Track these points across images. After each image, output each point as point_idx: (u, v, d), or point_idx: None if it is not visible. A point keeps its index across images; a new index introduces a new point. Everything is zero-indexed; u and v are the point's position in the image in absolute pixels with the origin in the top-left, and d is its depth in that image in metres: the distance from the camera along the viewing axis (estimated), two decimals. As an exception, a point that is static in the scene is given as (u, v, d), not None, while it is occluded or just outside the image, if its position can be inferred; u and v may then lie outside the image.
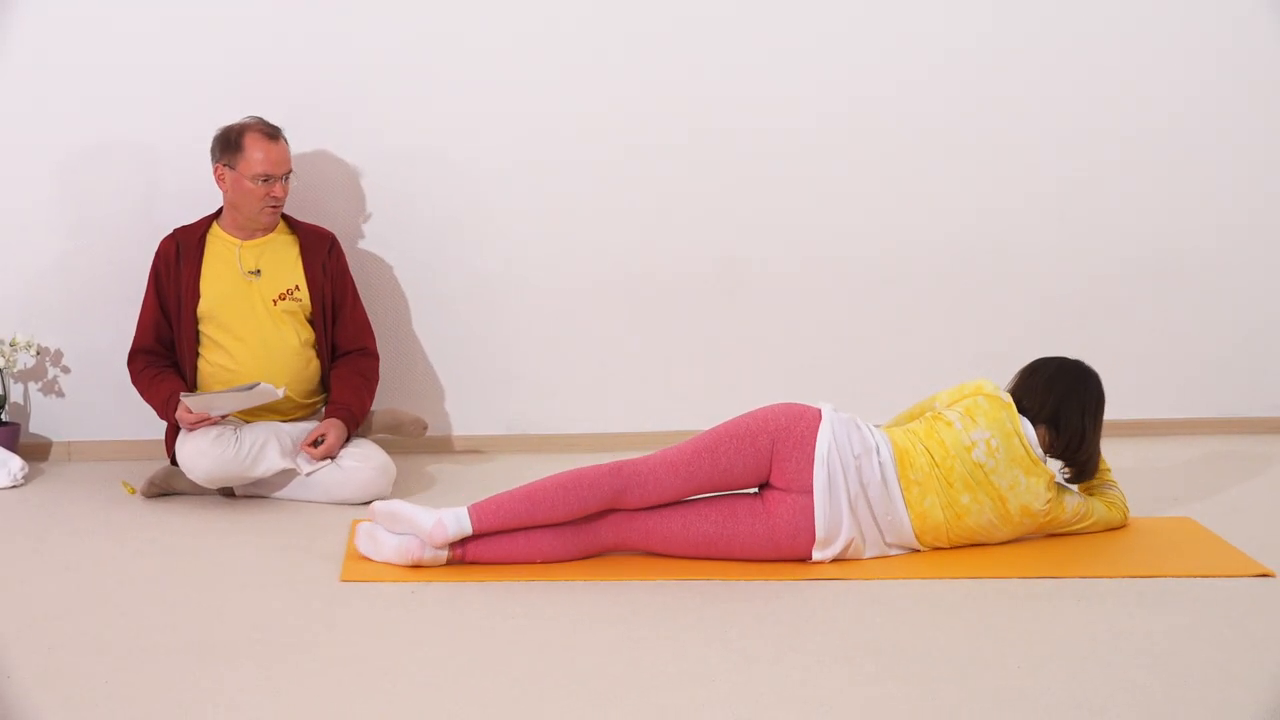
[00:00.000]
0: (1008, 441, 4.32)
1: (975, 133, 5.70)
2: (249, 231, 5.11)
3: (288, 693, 3.43)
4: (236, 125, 5.06)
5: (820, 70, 5.60)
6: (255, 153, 5.00)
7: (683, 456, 4.29)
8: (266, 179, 5.01)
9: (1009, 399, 4.39)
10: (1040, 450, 4.39)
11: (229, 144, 5.03)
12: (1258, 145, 5.81)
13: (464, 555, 4.26)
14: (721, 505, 4.32)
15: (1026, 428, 4.35)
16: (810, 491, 4.26)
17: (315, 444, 4.96)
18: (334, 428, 5.00)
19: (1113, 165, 5.77)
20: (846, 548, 4.29)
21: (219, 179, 5.05)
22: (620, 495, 4.27)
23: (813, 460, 4.26)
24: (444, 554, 4.25)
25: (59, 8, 5.31)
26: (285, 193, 5.07)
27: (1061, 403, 4.45)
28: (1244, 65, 5.73)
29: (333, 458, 4.98)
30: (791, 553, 4.29)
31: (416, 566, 4.25)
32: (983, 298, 5.80)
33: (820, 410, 4.36)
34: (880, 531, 4.33)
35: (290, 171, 5.08)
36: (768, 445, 4.28)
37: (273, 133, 5.05)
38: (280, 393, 4.88)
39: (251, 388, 4.81)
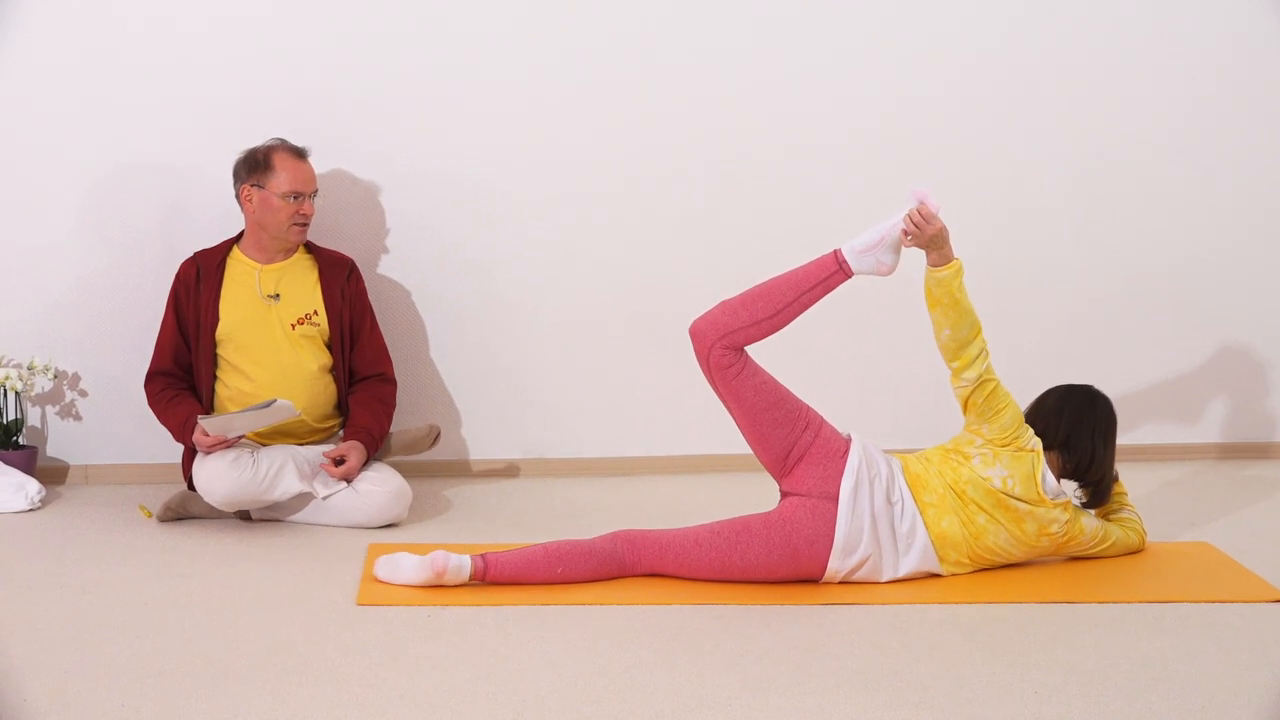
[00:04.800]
0: (1026, 483, 4.33)
1: (990, 150, 5.69)
2: (270, 255, 5.13)
3: (304, 717, 3.43)
4: (263, 146, 5.08)
5: (834, 92, 5.61)
6: (284, 171, 5.03)
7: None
8: (296, 196, 5.03)
9: (1039, 446, 4.39)
10: (1056, 494, 4.38)
11: (257, 164, 5.05)
12: (1277, 166, 5.82)
13: (485, 571, 4.27)
14: (736, 521, 4.35)
15: (1048, 477, 4.35)
16: (834, 498, 4.28)
17: (336, 463, 4.97)
18: (355, 450, 5.00)
19: (1129, 185, 5.77)
20: (863, 563, 4.30)
21: (245, 200, 5.07)
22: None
23: (843, 469, 4.30)
24: (466, 569, 4.26)
25: (81, 36, 5.33)
26: (313, 211, 5.09)
27: (1072, 426, 4.46)
28: (1263, 84, 5.74)
29: (350, 480, 4.99)
30: (809, 562, 4.29)
31: (439, 584, 4.26)
32: (999, 317, 5.78)
33: (851, 435, 4.43)
34: (899, 553, 4.33)
35: (316, 191, 5.11)
36: (804, 432, 4.35)
37: (300, 152, 5.08)
38: (297, 411, 4.89)
39: (268, 405, 4.82)
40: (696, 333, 4.40)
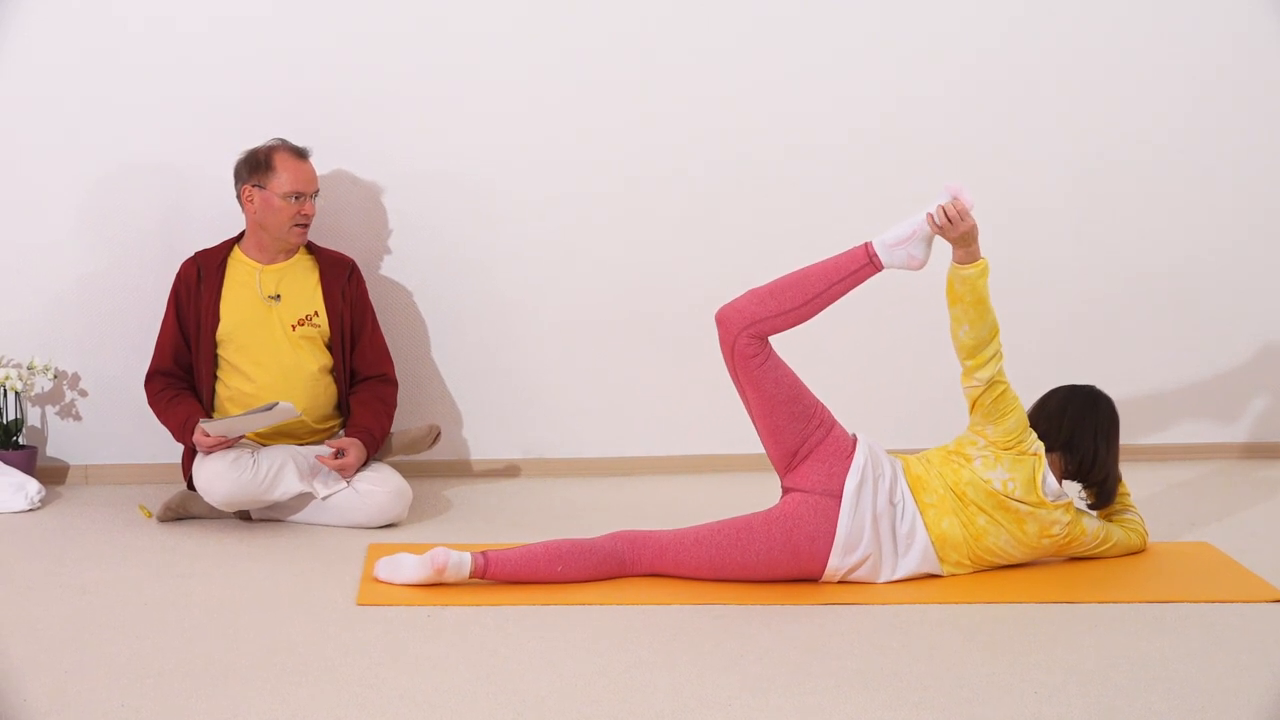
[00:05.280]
0: (1027, 487, 4.33)
1: (990, 150, 5.68)
2: (271, 255, 5.13)
3: (304, 717, 3.43)
4: (264, 146, 5.08)
5: (834, 92, 5.61)
6: (285, 171, 5.02)
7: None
8: (297, 196, 5.03)
9: (1040, 449, 4.38)
10: (1057, 496, 4.37)
11: (258, 165, 5.05)
12: (1277, 166, 5.82)
13: (486, 568, 4.27)
14: (737, 519, 4.36)
15: (1048, 480, 4.35)
16: (837, 495, 4.29)
17: (335, 454, 4.97)
18: (354, 446, 5.00)
19: (1129, 185, 5.77)
20: (862, 563, 4.30)
21: (246, 201, 5.07)
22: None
23: (848, 467, 4.31)
24: (467, 565, 4.26)
25: (81, 36, 5.33)
26: (314, 212, 5.09)
27: (1075, 427, 4.46)
28: (1263, 84, 5.74)
29: (347, 476, 4.98)
30: (810, 559, 4.30)
31: (439, 581, 4.26)
32: (999, 317, 5.77)
33: (857, 435, 4.43)
34: (898, 554, 4.33)
35: (318, 191, 5.11)
36: (817, 429, 4.36)
37: (301, 152, 5.08)
38: (299, 413, 4.89)
39: (270, 408, 4.82)
40: (723, 319, 4.40)
